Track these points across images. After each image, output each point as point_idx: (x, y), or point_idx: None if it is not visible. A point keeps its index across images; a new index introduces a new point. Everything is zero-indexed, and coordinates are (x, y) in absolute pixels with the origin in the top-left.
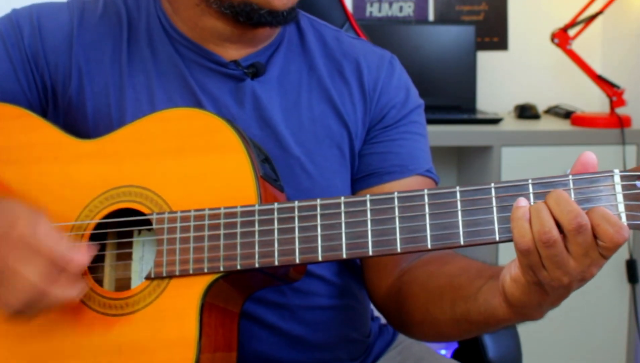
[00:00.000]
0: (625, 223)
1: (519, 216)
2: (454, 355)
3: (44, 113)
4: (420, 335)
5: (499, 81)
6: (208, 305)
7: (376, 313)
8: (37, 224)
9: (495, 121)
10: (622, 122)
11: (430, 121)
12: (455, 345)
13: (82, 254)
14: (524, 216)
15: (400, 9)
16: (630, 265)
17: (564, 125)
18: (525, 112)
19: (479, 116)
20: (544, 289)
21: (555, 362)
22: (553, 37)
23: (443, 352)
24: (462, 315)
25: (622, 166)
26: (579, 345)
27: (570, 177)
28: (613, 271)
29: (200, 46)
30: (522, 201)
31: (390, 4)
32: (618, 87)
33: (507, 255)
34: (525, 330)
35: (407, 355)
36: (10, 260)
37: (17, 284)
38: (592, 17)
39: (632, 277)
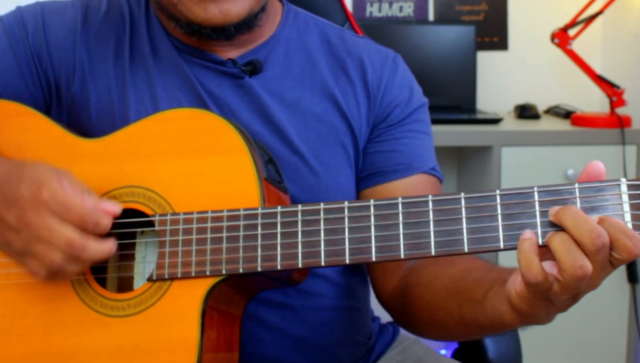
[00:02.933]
0: None
1: (525, 248)
2: (454, 355)
3: (48, 110)
4: (428, 335)
5: (499, 80)
6: (210, 307)
7: (376, 312)
8: (64, 182)
9: (495, 121)
10: (622, 122)
11: (430, 121)
12: (455, 345)
13: (112, 206)
14: (531, 248)
15: (400, 9)
16: (630, 265)
17: (564, 125)
18: (525, 112)
19: (479, 116)
20: (551, 301)
21: (555, 362)
22: (553, 37)
23: (443, 351)
24: (469, 319)
25: (622, 166)
26: (579, 345)
27: (577, 185)
28: None
29: (195, 47)
30: (528, 234)
31: (390, 4)
32: (618, 87)
33: (507, 258)
34: (525, 330)
35: (407, 355)
36: (46, 219)
37: (56, 239)
38: (592, 17)
39: (632, 277)
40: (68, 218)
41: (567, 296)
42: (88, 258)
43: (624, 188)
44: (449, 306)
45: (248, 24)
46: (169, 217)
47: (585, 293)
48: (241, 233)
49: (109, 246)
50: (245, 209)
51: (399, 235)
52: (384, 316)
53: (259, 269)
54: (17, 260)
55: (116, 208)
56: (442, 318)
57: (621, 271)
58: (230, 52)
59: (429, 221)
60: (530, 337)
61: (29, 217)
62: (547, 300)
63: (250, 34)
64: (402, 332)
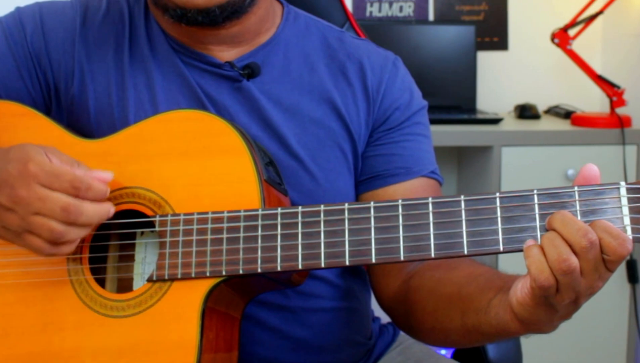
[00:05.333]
0: (631, 236)
1: (533, 253)
2: (454, 356)
3: (47, 111)
4: (430, 341)
5: (499, 80)
6: (209, 308)
7: (376, 313)
8: (50, 155)
9: (495, 121)
10: (622, 122)
11: (430, 121)
12: None
13: (103, 172)
14: (539, 252)
15: (401, 8)
16: (631, 265)
17: (564, 125)
18: (526, 112)
19: (479, 116)
20: (553, 308)
21: (555, 362)
22: (553, 37)
23: (443, 352)
24: (473, 326)
25: (622, 166)
26: (579, 345)
27: (576, 188)
28: None
29: (192, 49)
30: (531, 241)
31: (391, 4)
32: (618, 87)
33: (506, 260)
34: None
35: (408, 356)
36: (37, 190)
37: (50, 208)
38: (592, 17)
39: (632, 277)
40: (58, 185)
41: (567, 299)
42: (87, 221)
43: (623, 191)
44: (452, 313)
45: (234, 10)
46: (169, 218)
47: (586, 298)
48: (241, 234)
49: (106, 207)
50: (245, 211)
51: (398, 237)
52: (384, 317)
53: (259, 270)
54: (17, 242)
55: (108, 174)
56: (445, 325)
57: (621, 272)
58: (228, 54)
59: (428, 224)
60: (530, 338)
61: (19, 193)
62: (549, 306)
63: (240, 25)
64: (402, 332)
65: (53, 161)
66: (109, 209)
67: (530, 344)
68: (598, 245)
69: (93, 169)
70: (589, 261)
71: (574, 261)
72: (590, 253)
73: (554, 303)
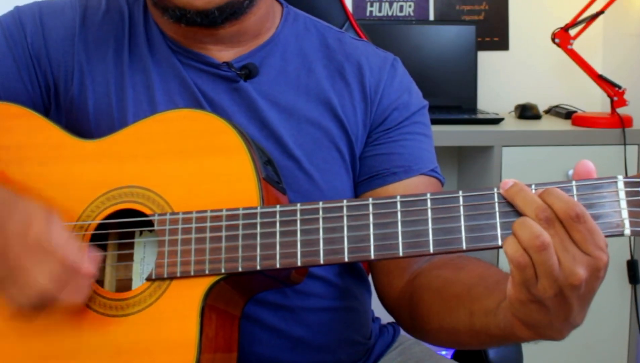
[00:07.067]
0: (629, 230)
1: (508, 239)
2: (455, 356)
3: (46, 112)
4: (436, 342)
5: (500, 80)
6: (209, 306)
7: (376, 313)
8: (51, 226)
9: (496, 121)
10: (623, 122)
11: (430, 121)
12: None
13: (92, 263)
14: (512, 237)
15: (401, 8)
16: (631, 265)
17: (564, 125)
18: (526, 112)
19: (480, 116)
20: (542, 303)
21: None
22: (554, 37)
23: (444, 352)
24: (481, 328)
25: (623, 166)
26: (580, 346)
27: (574, 183)
28: (614, 271)
29: (190, 49)
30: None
31: (391, 4)
32: (619, 87)
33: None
34: None
35: (408, 356)
36: (24, 260)
37: (28, 284)
38: (593, 17)
39: (632, 278)
40: (48, 264)
41: (549, 288)
42: (57, 306)
43: (620, 185)
44: (459, 313)
45: (233, 10)
46: (167, 217)
47: (571, 291)
48: (240, 232)
49: (82, 296)
50: (244, 209)
51: (397, 233)
52: (385, 318)
53: (258, 268)
54: None
55: (97, 255)
56: (452, 326)
57: (622, 273)
58: (226, 54)
59: (427, 219)
60: None
61: (9, 252)
62: (537, 303)
63: (239, 25)
64: (403, 332)
65: (53, 234)
66: (85, 297)
67: (531, 345)
68: (554, 217)
69: (85, 253)
70: (554, 236)
71: (546, 236)
72: (552, 229)
73: (537, 296)
